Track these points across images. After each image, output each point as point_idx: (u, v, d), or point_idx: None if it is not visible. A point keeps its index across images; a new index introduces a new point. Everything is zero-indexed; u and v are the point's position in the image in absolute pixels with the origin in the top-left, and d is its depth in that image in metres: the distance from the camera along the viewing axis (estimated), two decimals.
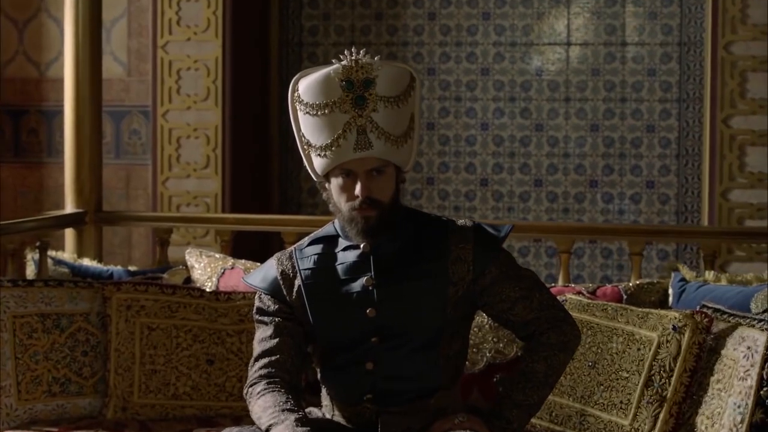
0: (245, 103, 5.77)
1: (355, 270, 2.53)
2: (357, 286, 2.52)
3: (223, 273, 3.61)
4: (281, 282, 2.58)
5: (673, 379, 2.83)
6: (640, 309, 3.01)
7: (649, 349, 2.88)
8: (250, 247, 4.42)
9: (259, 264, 2.82)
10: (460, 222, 2.59)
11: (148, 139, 5.72)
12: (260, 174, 6.02)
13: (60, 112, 4.32)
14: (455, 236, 2.54)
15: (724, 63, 5.19)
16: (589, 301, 3.14)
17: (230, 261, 3.67)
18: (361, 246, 2.52)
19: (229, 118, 5.58)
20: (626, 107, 5.86)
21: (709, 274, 3.42)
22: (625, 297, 3.29)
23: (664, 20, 5.80)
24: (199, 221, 4.59)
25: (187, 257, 3.75)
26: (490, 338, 3.26)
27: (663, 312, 2.95)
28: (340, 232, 2.57)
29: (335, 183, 2.47)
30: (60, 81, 4.34)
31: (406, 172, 2.53)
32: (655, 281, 3.42)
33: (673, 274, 3.44)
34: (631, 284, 3.37)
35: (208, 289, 3.46)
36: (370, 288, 2.51)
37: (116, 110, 5.74)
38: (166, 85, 5.64)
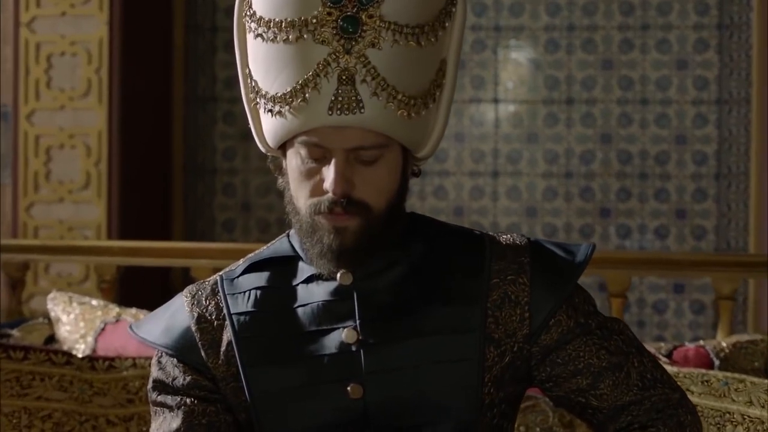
0: (139, 103, 5.61)
1: (327, 317, 2.04)
2: (331, 344, 2.03)
3: (103, 328, 3.42)
4: (197, 335, 2.09)
5: None
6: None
7: None
8: (145, 292, 4.30)
9: None
10: (505, 238, 2.10)
11: (7, 149, 5.53)
12: (160, 199, 5.97)
13: None
14: (499, 262, 2.06)
15: None
16: (678, 369, 2.77)
17: (114, 310, 3.48)
18: (338, 275, 2.02)
19: (117, 122, 5.38)
20: (648, 111, 5.86)
21: None
22: (717, 362, 3.01)
23: None
24: (70, 252, 4.24)
25: (50, 305, 3.54)
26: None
27: None
28: (300, 251, 2.08)
29: (294, 163, 1.99)
30: None
31: (421, 159, 2.05)
32: (757, 338, 3.16)
33: None
34: (724, 344, 3.09)
35: (80, 354, 3.26)
36: (354, 348, 2.02)
37: None
38: (31, 77, 5.41)
